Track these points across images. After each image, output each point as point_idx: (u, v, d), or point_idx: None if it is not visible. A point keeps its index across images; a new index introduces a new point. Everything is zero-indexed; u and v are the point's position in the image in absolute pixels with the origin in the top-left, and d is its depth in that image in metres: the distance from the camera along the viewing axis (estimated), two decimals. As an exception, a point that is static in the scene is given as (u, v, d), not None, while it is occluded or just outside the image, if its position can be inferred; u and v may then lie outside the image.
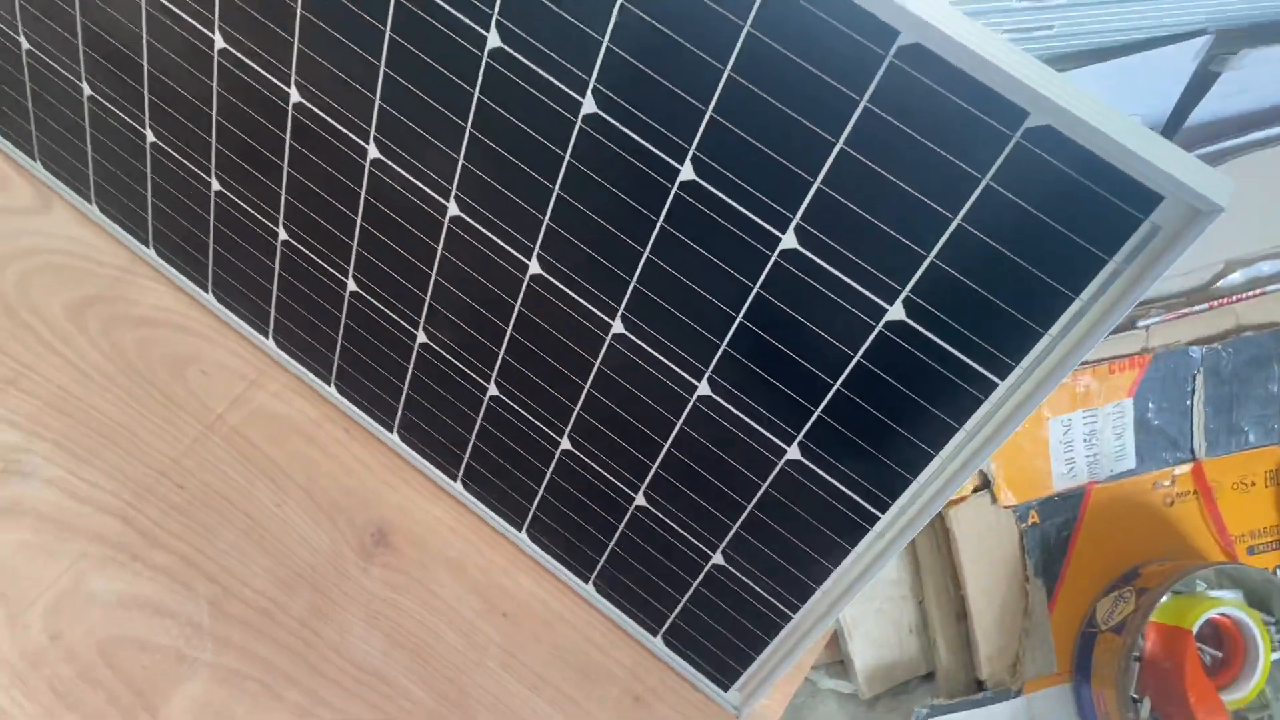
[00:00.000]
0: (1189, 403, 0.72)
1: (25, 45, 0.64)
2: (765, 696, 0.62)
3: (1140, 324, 0.71)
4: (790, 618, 0.56)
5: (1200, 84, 0.74)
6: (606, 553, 0.61)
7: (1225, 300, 0.72)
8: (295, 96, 0.54)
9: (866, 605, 0.74)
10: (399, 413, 0.65)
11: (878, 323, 0.43)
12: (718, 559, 0.56)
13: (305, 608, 0.63)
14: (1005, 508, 0.71)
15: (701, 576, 0.57)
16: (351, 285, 0.60)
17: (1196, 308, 0.72)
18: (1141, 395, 0.72)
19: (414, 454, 0.66)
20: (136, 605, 0.61)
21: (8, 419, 0.65)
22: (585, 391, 0.55)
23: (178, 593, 0.62)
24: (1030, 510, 0.72)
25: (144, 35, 0.58)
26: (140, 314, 0.69)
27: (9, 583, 0.61)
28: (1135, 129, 0.35)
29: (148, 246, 0.69)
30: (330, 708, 0.60)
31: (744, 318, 0.46)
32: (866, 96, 0.38)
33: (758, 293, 0.45)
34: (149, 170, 0.64)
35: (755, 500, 0.52)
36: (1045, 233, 0.38)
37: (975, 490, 0.71)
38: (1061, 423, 0.70)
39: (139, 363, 0.68)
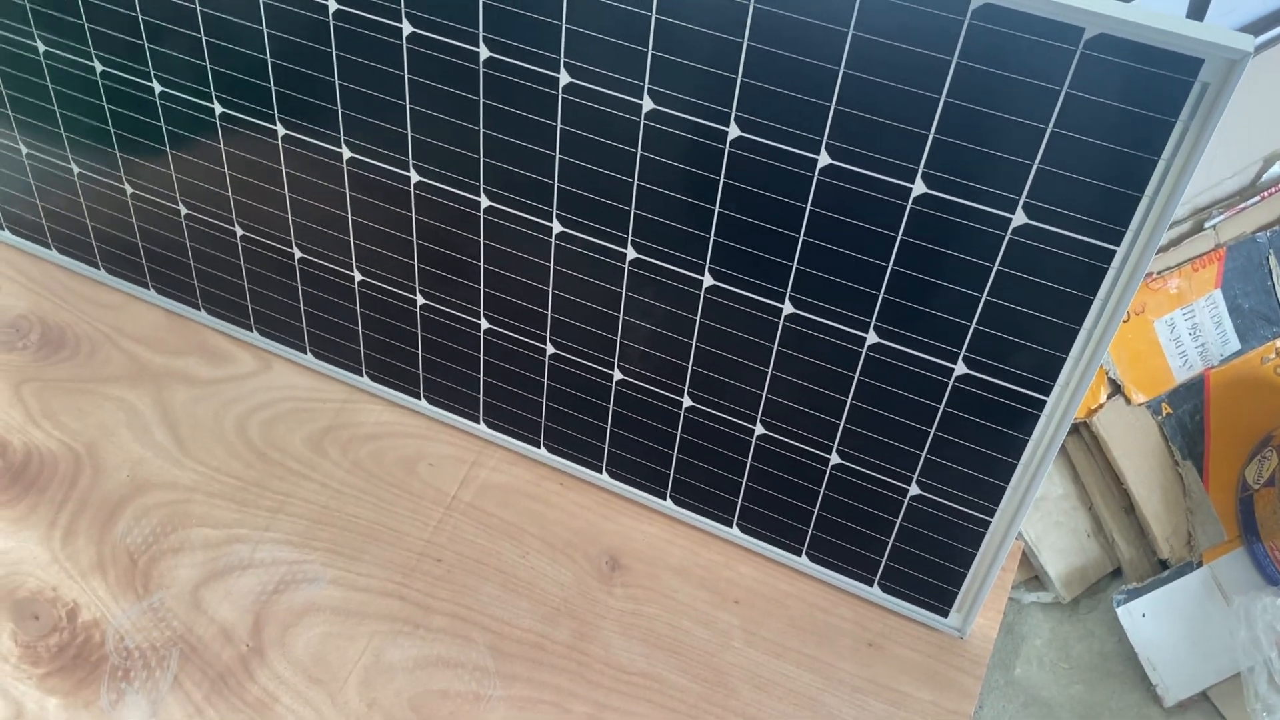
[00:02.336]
0: (1269, 281, 0.82)
1: (240, 232, 0.78)
2: (979, 614, 0.70)
3: (1208, 225, 0.81)
4: (988, 523, 0.65)
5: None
6: (813, 521, 0.70)
7: (1273, 190, 0.83)
8: (485, 202, 0.67)
9: (1045, 521, 0.83)
10: (605, 453, 0.75)
11: (1006, 231, 0.54)
12: (914, 490, 0.66)
13: (569, 634, 0.72)
14: (1139, 405, 0.80)
15: (903, 512, 0.67)
16: (550, 350, 0.72)
17: (1250, 201, 0.82)
18: (1228, 284, 0.81)
19: (624, 486, 0.77)
20: (430, 663, 0.71)
21: (285, 540, 0.76)
22: (769, 375, 0.65)
23: (460, 645, 0.72)
24: (1161, 404, 0.81)
25: (347, 192, 0.71)
26: (367, 431, 0.82)
27: (323, 669, 0.71)
28: (1169, 18, 0.46)
29: (361, 375, 0.82)
30: (615, 710, 0.69)
31: (894, 264, 0.57)
32: (956, 54, 0.50)
33: (901, 239, 0.56)
34: (358, 306, 0.78)
35: (936, 423, 0.62)
36: (1121, 117, 0.49)
37: (1109, 396, 0.80)
38: (1165, 323, 0.80)
39: (377, 470, 0.80)
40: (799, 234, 0.59)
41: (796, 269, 0.60)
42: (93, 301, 0.88)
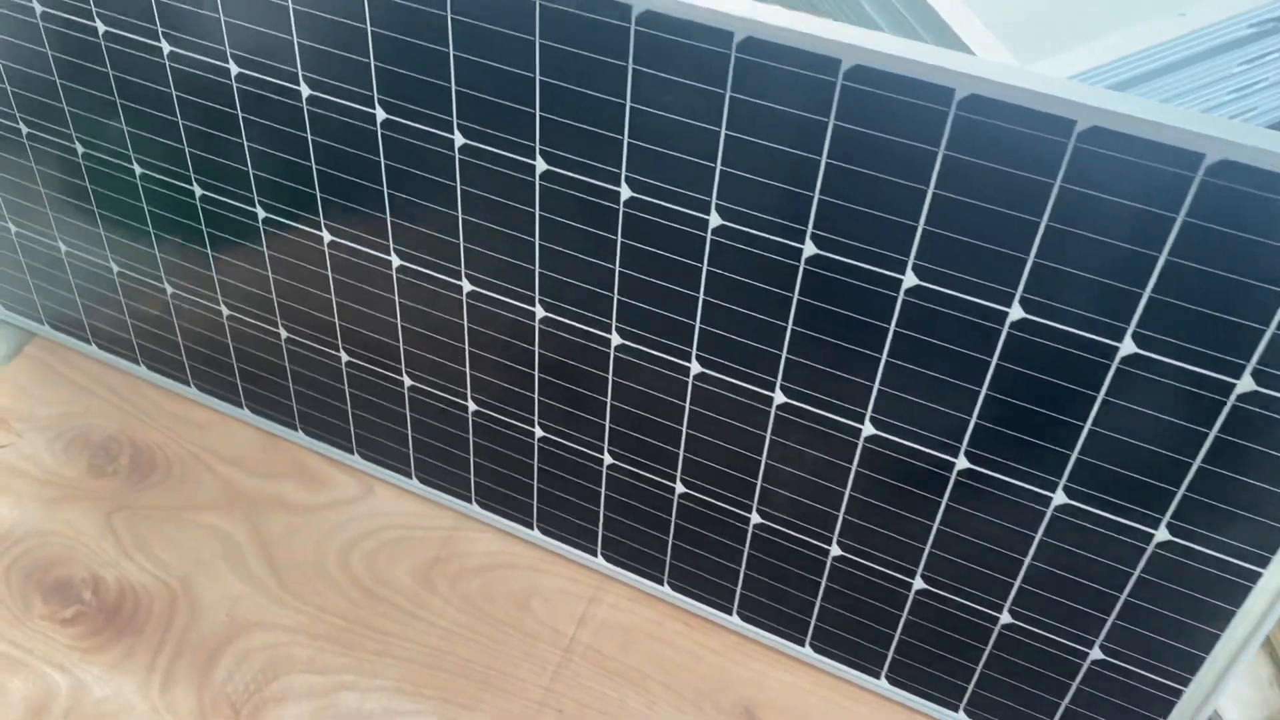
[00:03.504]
0: None
1: (345, 358, 0.74)
2: (1162, 781, 0.64)
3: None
4: (1181, 693, 0.59)
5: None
6: (974, 679, 0.65)
7: None
8: (617, 340, 0.62)
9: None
10: (737, 594, 0.70)
11: (1230, 397, 0.48)
12: (1097, 654, 0.60)
13: (704, 796, 0.67)
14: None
15: (1082, 676, 0.61)
16: (680, 489, 0.67)
17: None
18: None
19: (757, 630, 0.71)
20: (555, 829, 0.66)
21: (394, 687, 0.71)
22: (935, 530, 0.60)
23: (588, 809, 0.67)
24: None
25: (465, 324, 0.67)
26: (477, 563, 0.77)
27: (440, 834, 0.66)
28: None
29: (470, 503, 0.77)
30: None
31: (1093, 425, 0.52)
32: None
33: (1104, 399, 0.51)
34: (471, 435, 0.73)
35: (1129, 588, 0.56)
36: None
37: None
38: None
39: (488, 607, 0.75)
40: (980, 387, 0.53)
41: (976, 422, 0.55)
42: (183, 420, 0.85)
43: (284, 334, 0.75)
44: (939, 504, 0.59)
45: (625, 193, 0.56)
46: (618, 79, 0.53)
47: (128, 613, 0.75)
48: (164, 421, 0.84)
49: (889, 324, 0.54)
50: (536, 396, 0.68)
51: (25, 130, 0.75)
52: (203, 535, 0.79)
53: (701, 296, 0.58)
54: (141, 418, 0.85)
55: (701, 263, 0.57)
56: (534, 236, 0.61)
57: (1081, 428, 0.52)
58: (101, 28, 0.66)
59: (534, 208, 0.59)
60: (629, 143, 0.54)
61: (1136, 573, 0.55)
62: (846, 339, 0.56)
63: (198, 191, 0.71)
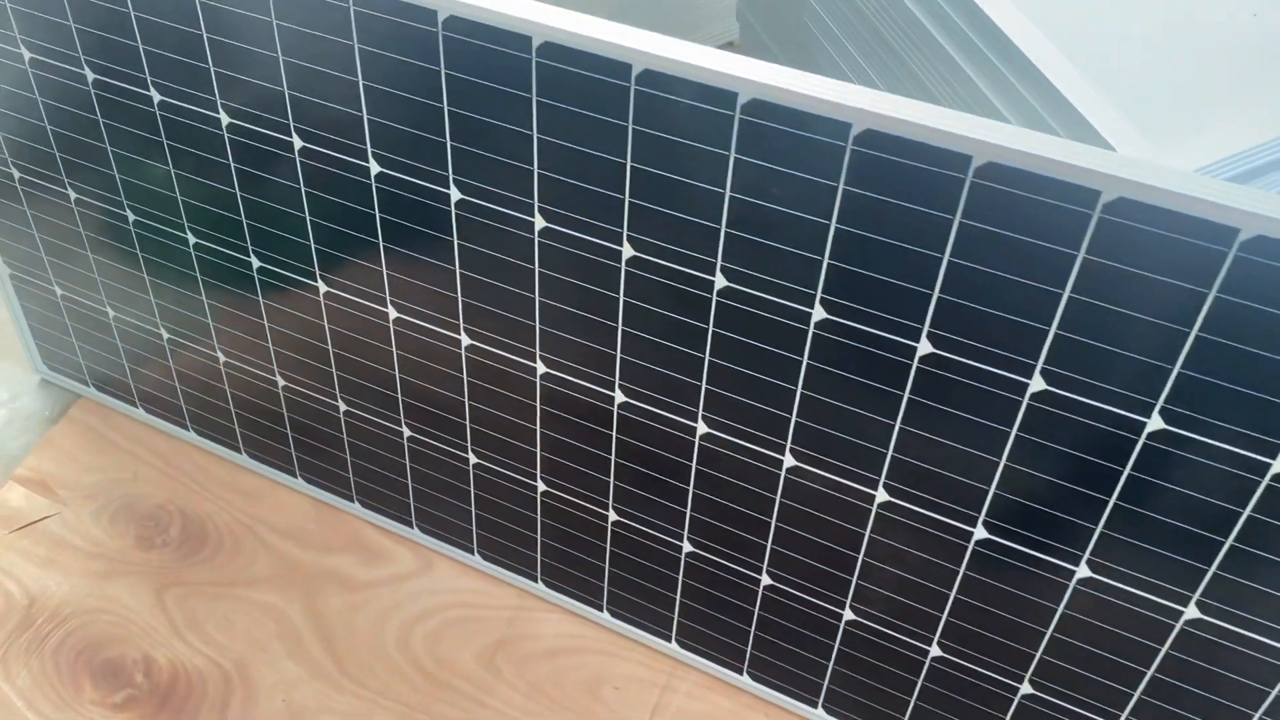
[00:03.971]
0: None
1: (407, 432, 0.70)
2: None
3: None
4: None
5: None
6: (1082, 784, 0.61)
7: None
8: (702, 428, 0.59)
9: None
10: (823, 689, 0.66)
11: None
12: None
13: None
14: None
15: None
16: (766, 580, 0.63)
17: None
18: None
19: (843, 723, 0.67)
20: None
21: (460, 779, 0.68)
22: (1048, 637, 0.56)
23: None
24: None
25: (537, 405, 0.63)
26: (544, 646, 0.73)
27: None
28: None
29: (535, 581, 0.74)
30: None
31: (1235, 541, 0.48)
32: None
33: (1249, 515, 0.47)
34: (539, 515, 0.69)
35: (1155, 665, 0.54)
36: None
37: None
38: None
39: (557, 694, 0.71)
40: (1110, 497, 0.49)
41: (1101, 532, 0.51)
42: (234, 488, 0.81)
43: (342, 405, 0.72)
44: (1054, 611, 0.55)
45: (720, 282, 0.53)
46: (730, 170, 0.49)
47: (180, 697, 0.72)
48: (214, 489, 0.81)
49: (1010, 427, 0.50)
50: (612, 481, 0.64)
51: (74, 195, 0.72)
52: (257, 613, 0.75)
53: (800, 390, 0.54)
54: (191, 485, 0.81)
55: (801, 355, 0.53)
56: (616, 321, 0.57)
57: (1222, 544, 0.48)
58: (157, 96, 0.63)
59: (618, 293, 0.56)
60: (726, 232, 0.51)
61: (1164, 649, 0.51)
62: (961, 440, 0.52)
63: (255, 263, 0.67)
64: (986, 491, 0.53)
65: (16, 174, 0.73)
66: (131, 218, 0.70)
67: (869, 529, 0.57)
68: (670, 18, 1.05)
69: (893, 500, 0.55)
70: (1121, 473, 0.49)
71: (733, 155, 0.48)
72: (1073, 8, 0.61)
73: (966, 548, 0.55)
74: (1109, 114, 0.51)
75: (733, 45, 1.09)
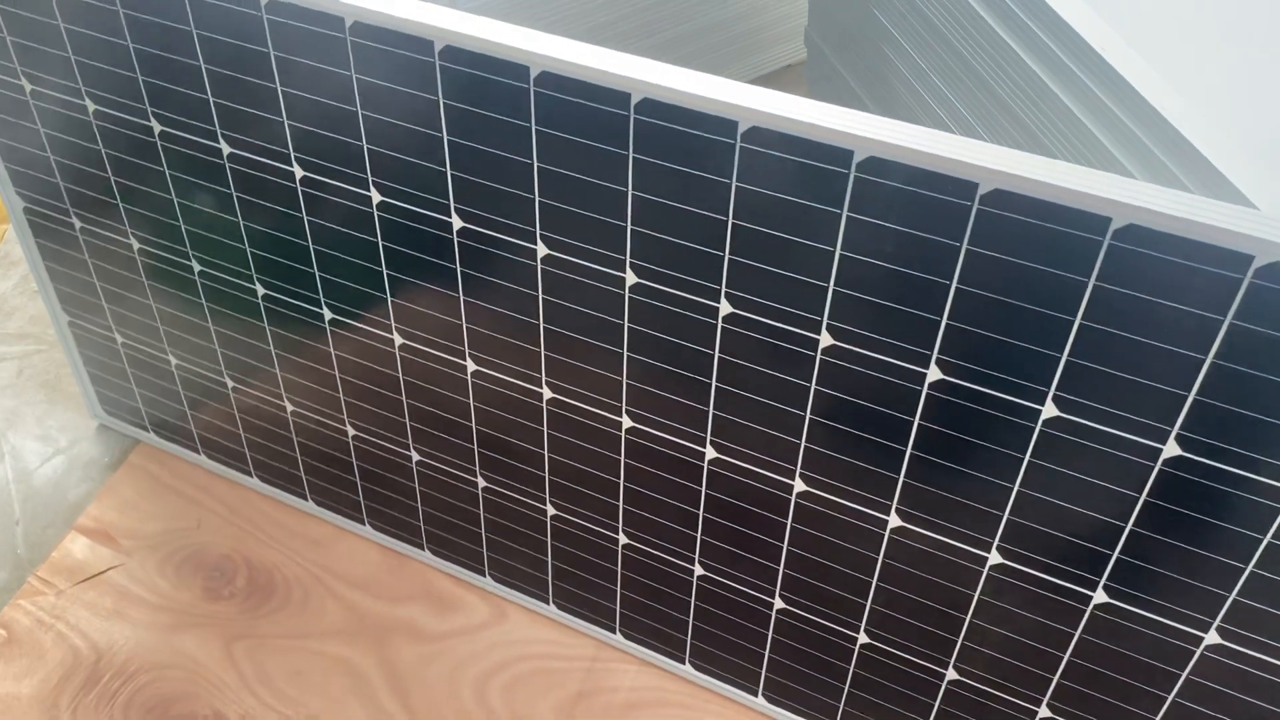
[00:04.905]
0: None
1: (482, 483, 0.69)
2: None
3: None
4: None
5: None
6: None
7: None
8: (801, 486, 0.56)
9: None
10: (920, 744, 0.64)
11: None
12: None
13: None
14: None
15: None
16: (863, 638, 0.61)
17: None
18: None
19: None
20: None
21: (544, 841, 0.66)
22: (1168, 702, 0.53)
23: None
24: None
25: (621, 459, 0.61)
26: (623, 699, 0.71)
27: None
28: None
29: (613, 632, 0.72)
30: None
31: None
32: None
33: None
34: (619, 567, 0.67)
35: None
36: None
37: None
38: None
39: (640, 750, 0.69)
40: (1247, 565, 0.47)
41: (1234, 600, 0.48)
42: (300, 536, 0.80)
43: (415, 455, 0.70)
44: (1179, 677, 0.52)
45: (825, 340, 0.50)
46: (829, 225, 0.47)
47: (254, 756, 0.71)
48: (280, 538, 0.80)
49: (1140, 493, 0.48)
50: (699, 535, 0.62)
51: (136, 245, 0.70)
52: (330, 666, 0.74)
53: (909, 451, 0.52)
54: (257, 534, 0.80)
55: (913, 417, 0.50)
56: (710, 378, 0.55)
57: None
58: (226, 149, 0.61)
59: (713, 350, 0.54)
60: (834, 290, 0.48)
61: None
62: (1087, 505, 0.49)
63: (326, 314, 0.66)
64: (1107, 557, 0.50)
65: (78, 224, 0.71)
66: (197, 268, 0.69)
67: (979, 590, 0.55)
68: (736, 42, 1.02)
69: (1008, 564, 0.53)
70: (1261, 541, 0.46)
71: (845, 213, 0.46)
72: (1192, 51, 0.58)
73: (1084, 611, 0.53)
74: (1242, 164, 0.48)
75: (789, 68, 1.07)
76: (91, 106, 0.64)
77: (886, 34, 0.81)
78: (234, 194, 0.63)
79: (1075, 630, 0.54)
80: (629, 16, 0.94)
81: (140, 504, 0.82)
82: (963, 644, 0.58)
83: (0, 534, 0.81)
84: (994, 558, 0.53)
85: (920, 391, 0.50)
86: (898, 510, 0.54)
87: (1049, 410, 0.47)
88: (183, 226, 0.67)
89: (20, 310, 0.95)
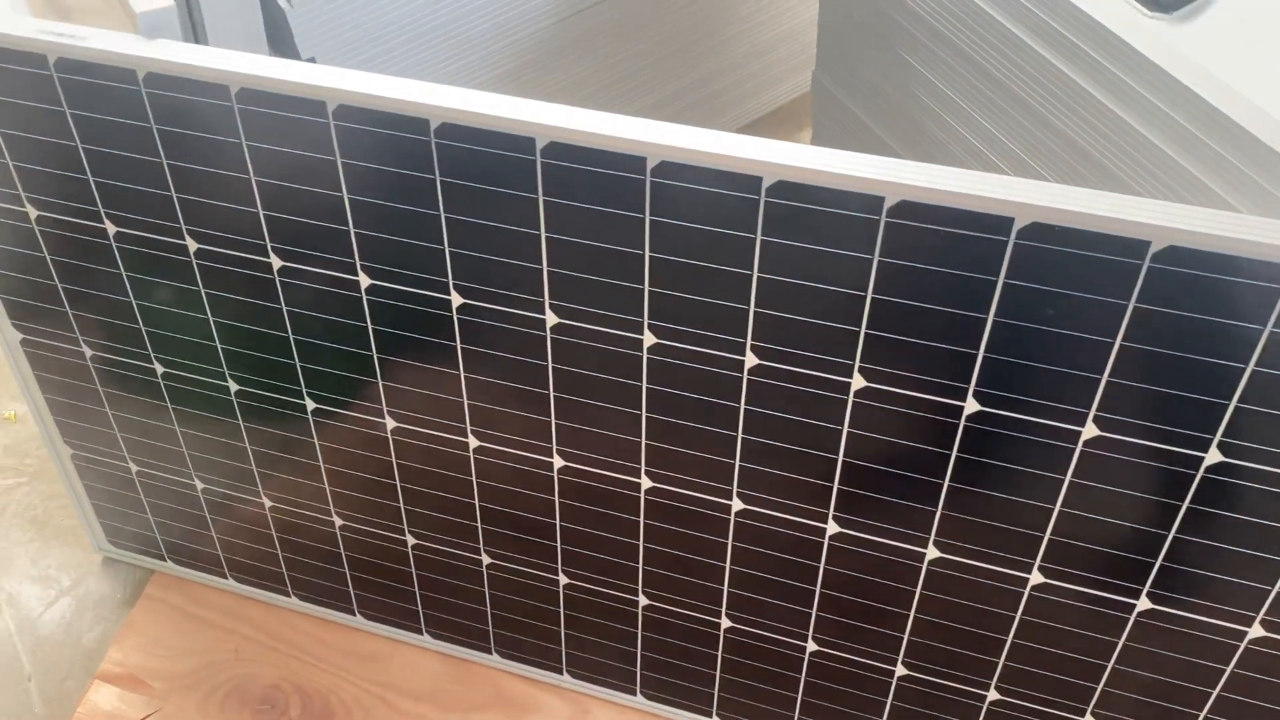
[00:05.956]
0: None
1: (564, 580, 0.65)
2: None
3: None
4: None
5: None
6: None
7: None
8: (933, 553, 0.55)
9: None
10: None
11: None
12: None
13: None
14: None
15: None
16: (994, 695, 0.59)
17: None
18: None
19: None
20: None
21: None
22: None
23: None
24: None
25: (729, 543, 0.59)
26: (731, 786, 0.68)
27: None
28: None
29: (710, 716, 0.69)
30: None
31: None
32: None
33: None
34: (720, 651, 0.64)
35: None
36: None
37: None
38: None
39: (756, 837, 0.66)
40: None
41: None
42: (352, 655, 0.74)
43: (486, 559, 0.66)
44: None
45: (971, 406, 0.49)
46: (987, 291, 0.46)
47: None
48: (330, 659, 0.74)
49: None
50: (815, 612, 0.60)
51: (160, 370, 0.64)
52: (408, 793, 0.69)
53: (1057, 508, 0.51)
54: (302, 657, 0.74)
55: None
56: (837, 454, 0.53)
57: None
58: (277, 263, 0.56)
59: (843, 426, 0.52)
60: (986, 358, 0.47)
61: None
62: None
63: (389, 423, 0.61)
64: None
65: (89, 351, 0.65)
66: (234, 387, 0.63)
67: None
68: (729, 91, 1.01)
69: (1156, 608, 0.52)
70: None
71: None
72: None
73: (1238, 647, 0.52)
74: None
75: (780, 110, 1.06)
76: (113, 229, 0.58)
77: (910, 70, 0.80)
78: (282, 308, 0.58)
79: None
80: (627, 77, 0.92)
81: (166, 640, 0.75)
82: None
83: (10, 694, 0.73)
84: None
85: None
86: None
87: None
88: (219, 347, 0.62)
89: (-10, 441, 0.87)
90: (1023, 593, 0.54)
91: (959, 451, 0.50)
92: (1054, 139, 0.70)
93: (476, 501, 0.63)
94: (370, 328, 0.57)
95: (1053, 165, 0.71)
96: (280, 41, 0.67)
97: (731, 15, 0.95)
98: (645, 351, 0.53)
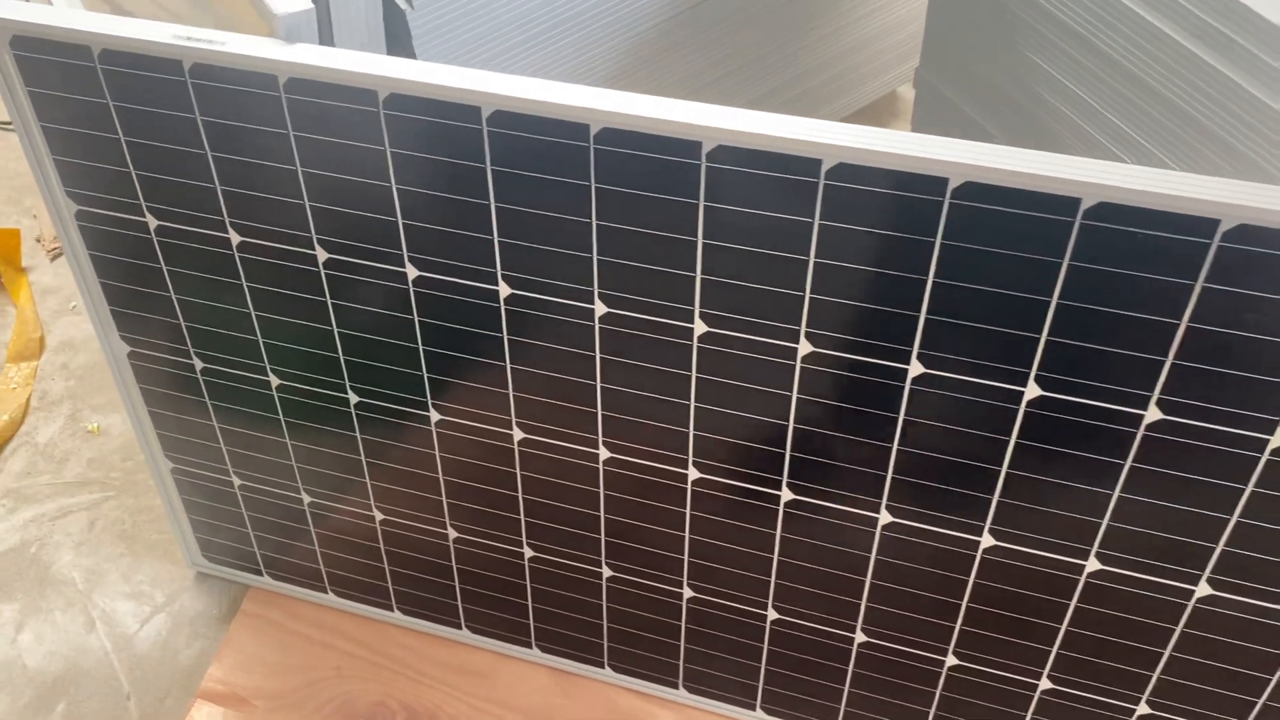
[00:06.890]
0: None
1: (689, 593, 0.63)
2: None
3: None
4: None
5: None
6: None
7: None
8: (1094, 565, 0.53)
9: None
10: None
11: None
12: None
13: None
14: None
15: None
16: (1144, 709, 0.58)
17: None
18: None
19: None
20: None
21: None
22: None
23: None
24: None
25: (872, 557, 0.57)
26: (857, 802, 0.66)
27: None
28: None
29: None
30: None
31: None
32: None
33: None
34: (851, 666, 0.63)
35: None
36: None
37: None
38: None
39: None
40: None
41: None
42: (457, 670, 0.73)
43: (607, 572, 0.64)
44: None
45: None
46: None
47: None
48: (436, 674, 0.72)
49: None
50: (958, 626, 0.58)
51: (276, 382, 0.63)
52: (524, 812, 0.67)
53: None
54: (407, 673, 0.73)
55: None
56: (1000, 465, 0.51)
57: None
58: (414, 272, 0.55)
59: (1009, 437, 0.50)
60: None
61: None
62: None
63: (517, 434, 0.60)
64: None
65: (199, 364, 0.64)
66: (354, 399, 0.62)
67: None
68: (828, 85, 1.00)
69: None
70: None
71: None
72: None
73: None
74: None
75: (876, 104, 1.05)
76: (237, 239, 0.57)
77: (1033, 68, 0.78)
78: (418, 320, 0.57)
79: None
80: (735, 72, 0.91)
81: (267, 656, 0.74)
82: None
83: (110, 713, 0.72)
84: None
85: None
86: (1209, 579, 0.52)
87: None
88: (341, 359, 0.60)
89: (74, 454, 0.86)
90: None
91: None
92: (1199, 137, 0.68)
93: (602, 514, 0.62)
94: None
95: (1198, 167, 0.70)
96: (398, 43, 0.66)
97: (838, 7, 0.94)
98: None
